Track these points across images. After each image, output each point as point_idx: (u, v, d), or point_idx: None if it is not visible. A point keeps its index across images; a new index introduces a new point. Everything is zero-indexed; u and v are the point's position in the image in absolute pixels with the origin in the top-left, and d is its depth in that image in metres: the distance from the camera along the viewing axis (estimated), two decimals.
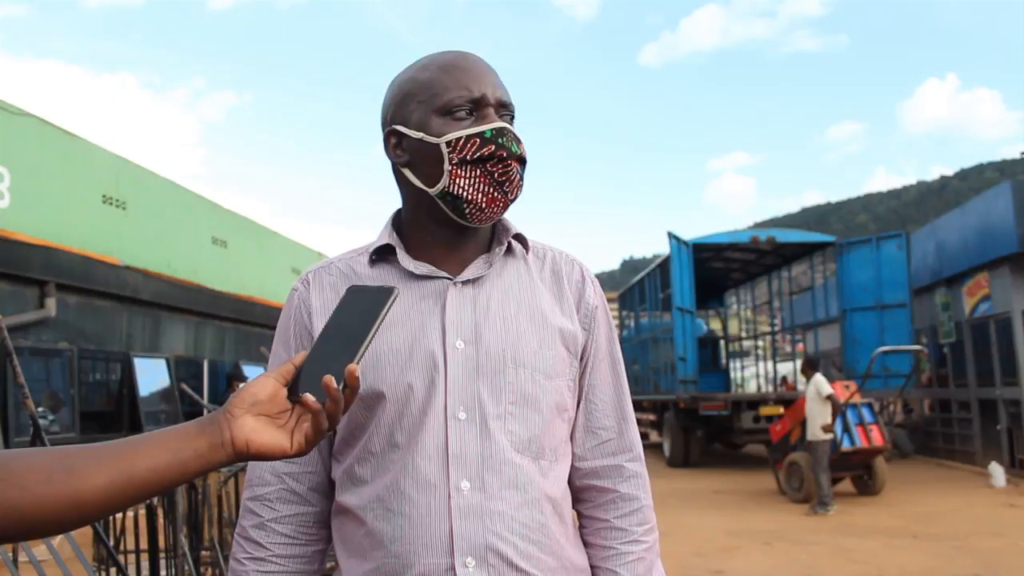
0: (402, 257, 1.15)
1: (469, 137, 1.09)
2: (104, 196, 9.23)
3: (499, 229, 1.20)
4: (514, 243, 1.20)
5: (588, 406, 1.21)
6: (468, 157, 1.09)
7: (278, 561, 1.14)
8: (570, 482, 1.21)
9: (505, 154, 1.10)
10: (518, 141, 1.12)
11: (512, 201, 1.13)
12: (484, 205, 1.10)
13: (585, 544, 1.21)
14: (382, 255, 1.18)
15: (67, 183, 8.57)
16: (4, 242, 7.39)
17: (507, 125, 1.12)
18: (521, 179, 1.13)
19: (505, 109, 1.14)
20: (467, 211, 1.11)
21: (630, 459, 1.21)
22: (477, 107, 1.12)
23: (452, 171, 1.10)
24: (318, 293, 1.18)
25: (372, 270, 1.17)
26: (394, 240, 1.17)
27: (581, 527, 1.23)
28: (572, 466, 1.20)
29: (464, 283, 1.14)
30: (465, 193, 1.10)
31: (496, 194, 1.10)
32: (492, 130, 1.10)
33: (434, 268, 1.15)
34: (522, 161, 1.13)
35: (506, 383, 1.10)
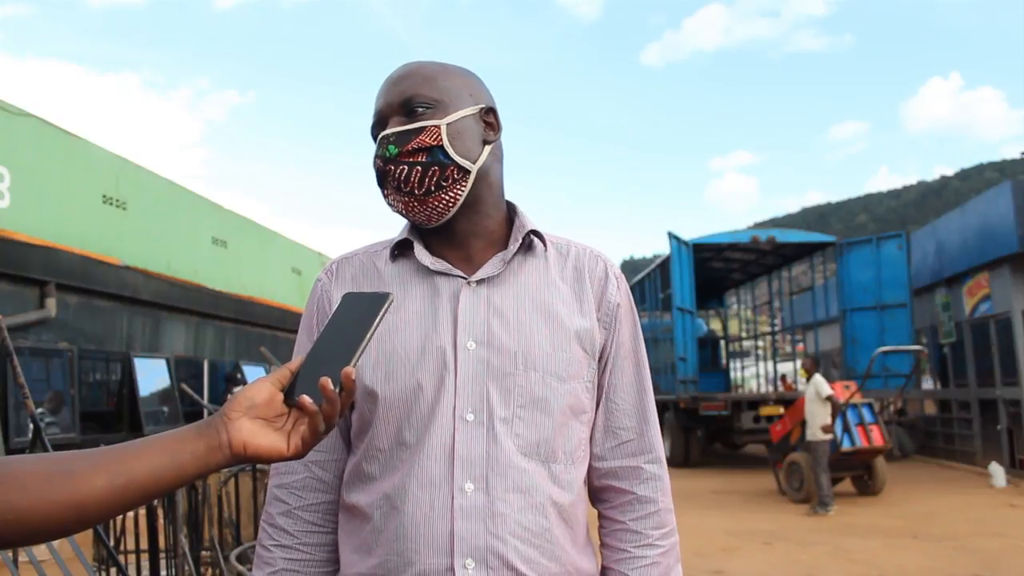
0: (419, 252, 1.15)
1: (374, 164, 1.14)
2: (104, 196, 9.22)
3: (515, 226, 1.18)
4: (534, 240, 1.18)
5: (609, 405, 1.19)
6: (377, 182, 1.14)
7: (304, 548, 1.15)
8: (589, 482, 1.20)
9: (382, 163, 1.12)
10: (397, 142, 1.11)
11: (431, 192, 1.11)
12: (408, 213, 1.13)
13: (602, 544, 1.20)
14: (403, 250, 1.18)
15: (67, 183, 8.55)
16: (4, 242, 7.38)
17: (384, 132, 1.12)
18: (422, 169, 1.10)
19: (400, 107, 1.13)
20: (414, 221, 1.15)
21: (649, 461, 1.19)
22: (380, 128, 1.15)
23: (384, 195, 1.15)
24: (339, 284, 1.19)
25: (392, 265, 1.17)
26: (413, 235, 1.17)
27: (600, 527, 1.22)
28: (591, 466, 1.19)
29: (479, 282, 1.13)
30: (394, 210, 1.14)
31: (404, 198, 1.12)
32: (375, 152, 1.13)
33: (450, 266, 1.14)
34: (411, 154, 1.10)
35: (516, 385, 1.09)
